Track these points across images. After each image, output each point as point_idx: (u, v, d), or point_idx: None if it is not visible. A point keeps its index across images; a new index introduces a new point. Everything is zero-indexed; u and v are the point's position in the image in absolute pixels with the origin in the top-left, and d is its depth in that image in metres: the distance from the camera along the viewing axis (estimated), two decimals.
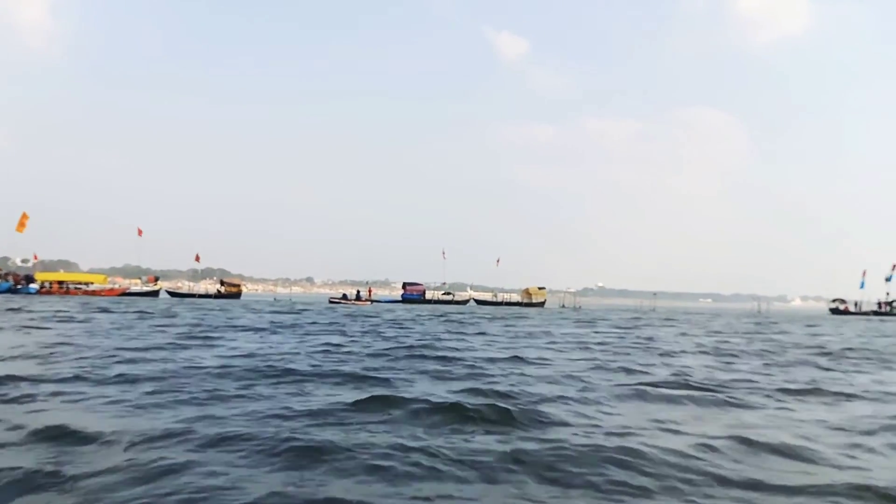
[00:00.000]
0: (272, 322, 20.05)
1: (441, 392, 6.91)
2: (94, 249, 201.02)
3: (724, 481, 3.98)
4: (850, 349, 15.38)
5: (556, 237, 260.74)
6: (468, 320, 26.22)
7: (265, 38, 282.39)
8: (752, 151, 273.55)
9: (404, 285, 60.00)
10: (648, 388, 7.48)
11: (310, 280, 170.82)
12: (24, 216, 48.56)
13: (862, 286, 61.51)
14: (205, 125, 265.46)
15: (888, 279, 60.79)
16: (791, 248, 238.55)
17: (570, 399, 6.72)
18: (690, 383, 8.13)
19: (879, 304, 60.54)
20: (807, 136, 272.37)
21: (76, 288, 50.01)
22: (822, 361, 12.14)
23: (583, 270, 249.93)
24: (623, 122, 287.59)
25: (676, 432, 5.26)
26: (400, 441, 4.68)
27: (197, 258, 57.35)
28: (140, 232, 52.82)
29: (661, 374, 9.19)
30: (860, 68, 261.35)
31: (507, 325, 22.75)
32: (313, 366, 8.99)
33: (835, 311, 60.60)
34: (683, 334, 20.26)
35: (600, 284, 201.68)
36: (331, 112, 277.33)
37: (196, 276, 77.41)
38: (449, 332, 18.08)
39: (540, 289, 61.64)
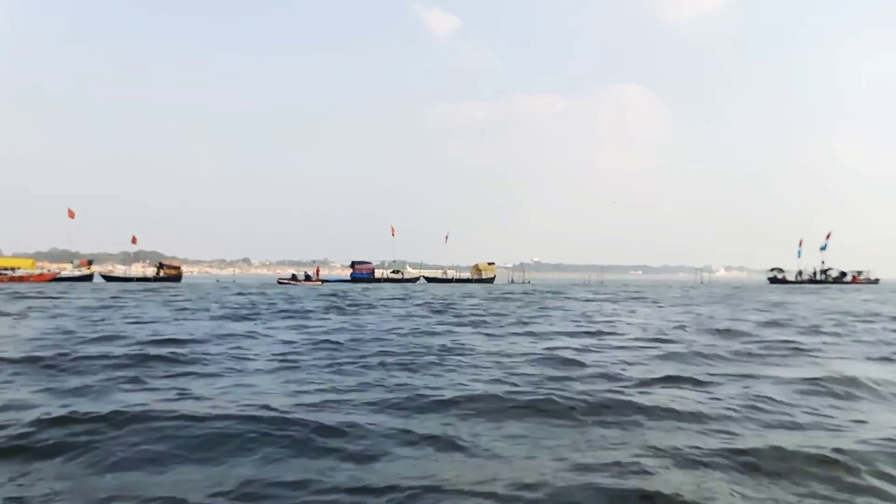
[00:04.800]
0: None
1: None
2: (16, 233, 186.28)
3: None
4: None
5: (491, 213, 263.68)
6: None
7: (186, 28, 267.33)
8: (676, 126, 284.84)
9: (352, 264, 58.91)
10: None
11: (246, 261, 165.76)
12: None
13: (799, 255, 63.81)
14: (129, 104, 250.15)
15: (823, 248, 63.66)
16: (712, 220, 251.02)
17: None
18: None
19: (815, 273, 63.28)
20: (729, 111, 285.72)
21: (1, 274, 46.60)
22: None
23: (517, 245, 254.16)
24: (550, 98, 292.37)
25: None
26: None
27: (134, 240, 54.54)
28: (71, 213, 49.53)
29: None
30: (774, 40, 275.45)
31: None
32: None
33: (773, 280, 62.89)
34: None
35: (536, 259, 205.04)
36: (266, 91, 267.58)
37: (128, 259, 73.67)
38: None
39: (489, 264, 62.28)
